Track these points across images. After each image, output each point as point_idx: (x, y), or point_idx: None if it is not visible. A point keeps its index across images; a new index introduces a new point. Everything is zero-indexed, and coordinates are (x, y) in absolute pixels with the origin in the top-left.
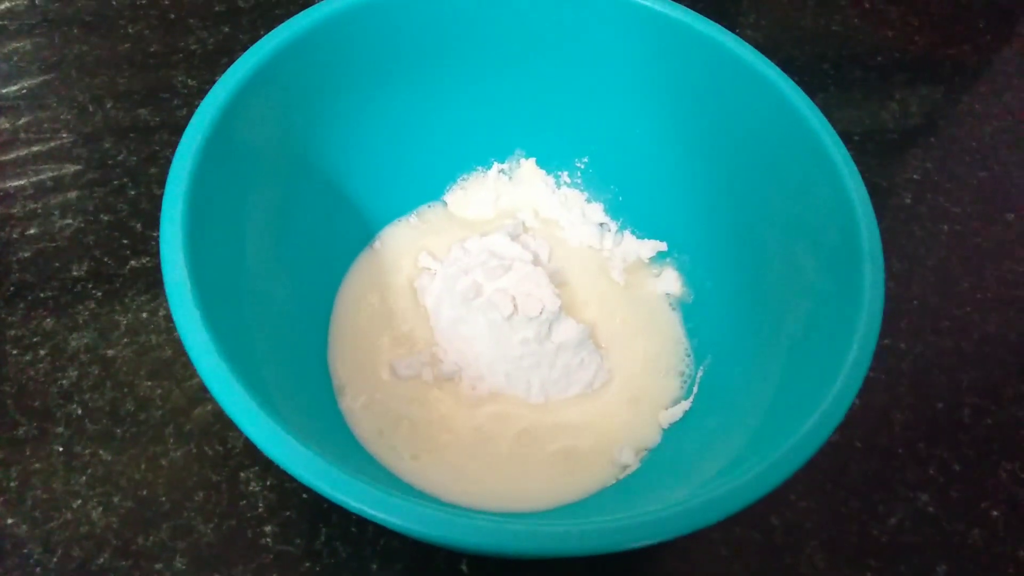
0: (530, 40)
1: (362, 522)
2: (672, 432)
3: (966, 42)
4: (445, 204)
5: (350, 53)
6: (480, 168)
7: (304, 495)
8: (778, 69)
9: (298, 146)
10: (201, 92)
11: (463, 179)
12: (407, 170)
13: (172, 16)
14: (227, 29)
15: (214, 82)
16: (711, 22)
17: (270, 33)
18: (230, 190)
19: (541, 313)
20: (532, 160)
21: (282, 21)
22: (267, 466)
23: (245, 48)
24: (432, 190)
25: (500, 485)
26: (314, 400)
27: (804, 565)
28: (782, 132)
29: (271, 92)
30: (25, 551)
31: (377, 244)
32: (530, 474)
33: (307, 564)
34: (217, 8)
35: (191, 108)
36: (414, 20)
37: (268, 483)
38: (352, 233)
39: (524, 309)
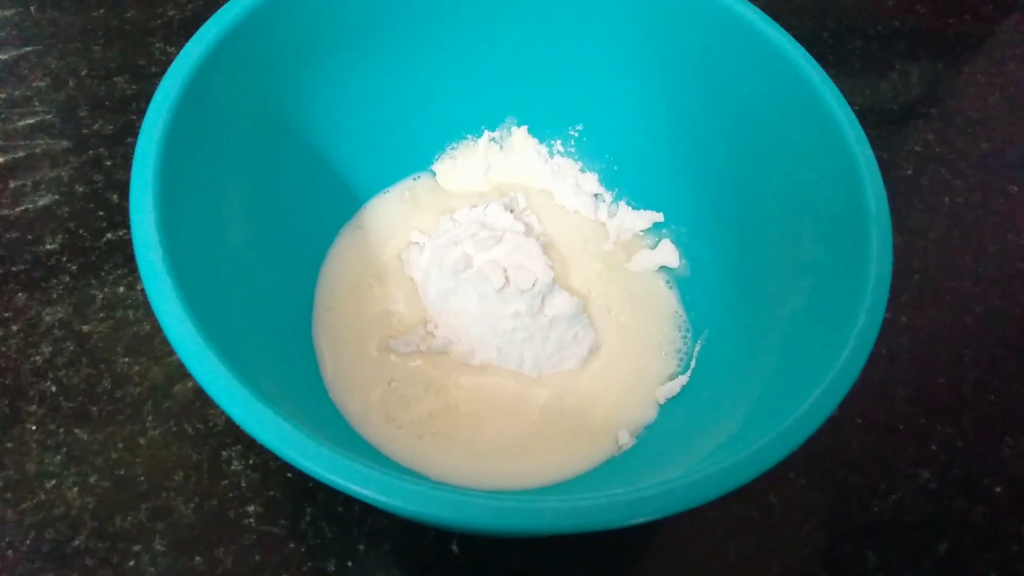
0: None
1: (349, 502)
2: (669, 408)
3: (967, 12)
4: (434, 175)
5: (332, 13)
6: (470, 137)
7: (289, 474)
8: (779, 26)
9: (278, 112)
10: None
11: (452, 148)
12: (393, 138)
13: None
14: None
15: None
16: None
17: None
18: (205, 158)
19: (534, 285)
20: (524, 128)
21: None
22: (250, 445)
23: None
24: (420, 160)
25: (491, 461)
26: (298, 376)
27: (804, 543)
28: (783, 93)
29: (247, 54)
30: None
31: (363, 216)
32: (523, 450)
33: (292, 545)
34: None
35: None
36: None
37: (251, 462)
38: (337, 204)
39: (516, 281)
